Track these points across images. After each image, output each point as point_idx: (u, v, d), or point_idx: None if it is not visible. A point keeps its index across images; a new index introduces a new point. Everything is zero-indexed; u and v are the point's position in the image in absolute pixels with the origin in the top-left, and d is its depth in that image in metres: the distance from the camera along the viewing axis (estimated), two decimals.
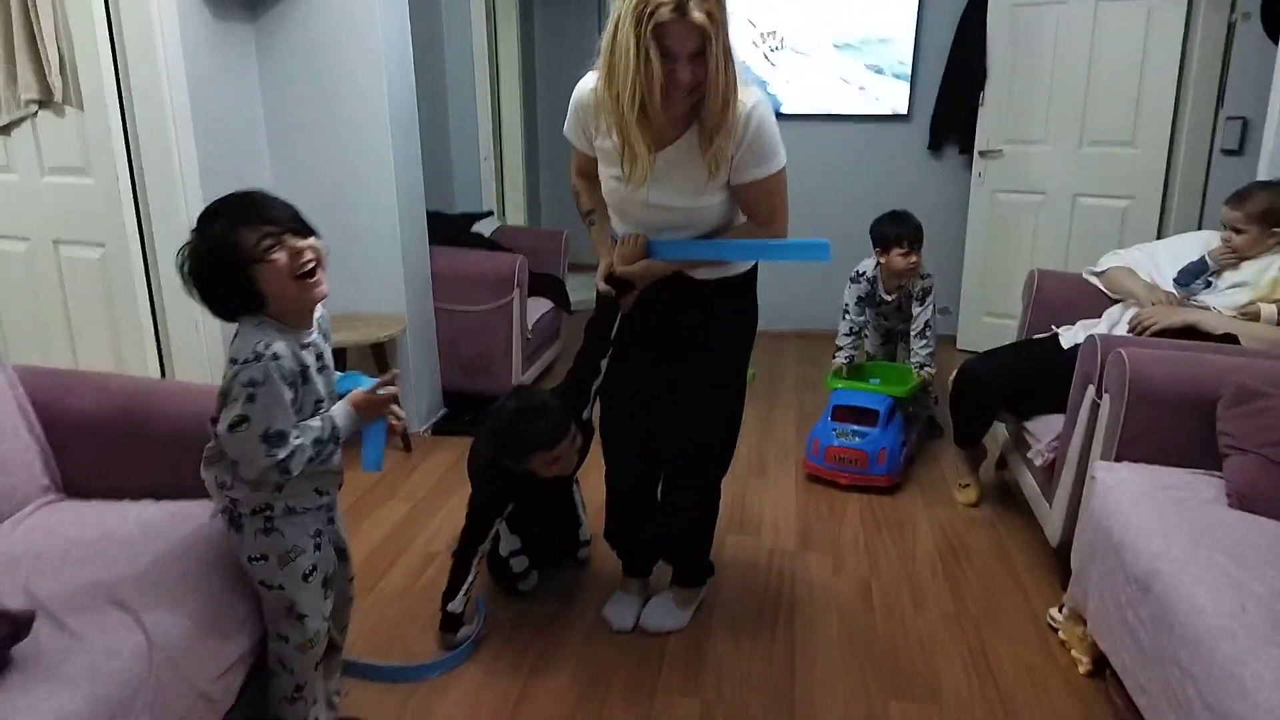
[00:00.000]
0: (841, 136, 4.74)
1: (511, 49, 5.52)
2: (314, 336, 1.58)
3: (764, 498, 3.03)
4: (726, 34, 1.69)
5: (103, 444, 1.94)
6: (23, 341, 3.05)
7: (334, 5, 3.07)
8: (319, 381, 1.57)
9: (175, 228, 2.73)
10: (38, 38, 2.68)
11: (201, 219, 1.47)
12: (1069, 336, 2.78)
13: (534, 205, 6.19)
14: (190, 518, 1.78)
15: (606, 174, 1.96)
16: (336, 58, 3.11)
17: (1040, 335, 2.95)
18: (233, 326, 1.53)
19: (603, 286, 2.02)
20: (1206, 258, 2.60)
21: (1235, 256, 2.55)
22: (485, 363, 3.69)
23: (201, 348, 2.86)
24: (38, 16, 2.65)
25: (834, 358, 3.39)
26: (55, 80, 2.71)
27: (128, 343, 2.85)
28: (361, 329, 3.16)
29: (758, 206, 1.94)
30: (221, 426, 1.48)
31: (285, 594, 1.62)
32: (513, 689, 2.05)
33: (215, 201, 1.49)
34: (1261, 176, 2.95)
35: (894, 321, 3.48)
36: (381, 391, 1.61)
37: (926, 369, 3.28)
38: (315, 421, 1.54)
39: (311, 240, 1.50)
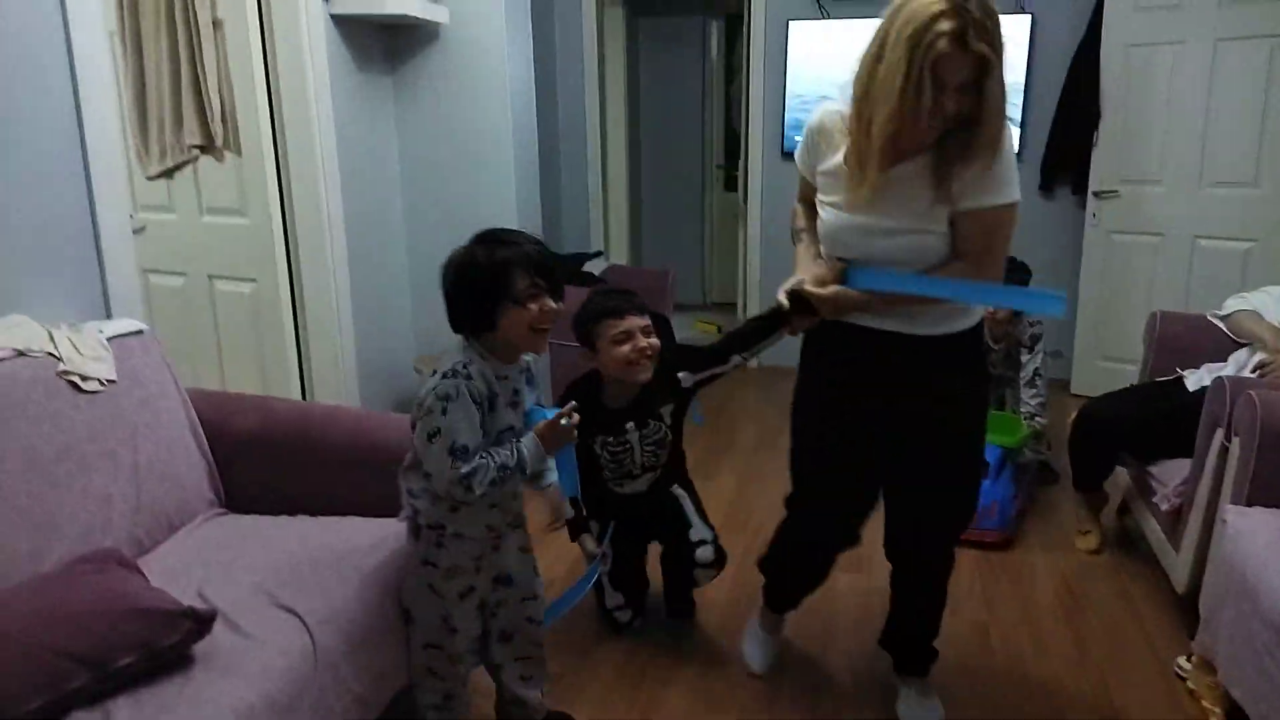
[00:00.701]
0: None
1: (618, 96, 5.71)
2: (513, 372, 1.70)
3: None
4: (1003, 63, 1.57)
5: (264, 462, 2.10)
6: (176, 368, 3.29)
7: (465, 60, 3.27)
8: (508, 413, 1.69)
9: (321, 265, 2.94)
10: (202, 87, 2.93)
11: (491, 240, 1.64)
12: (1194, 379, 2.72)
13: (636, 246, 6.35)
14: (345, 533, 1.91)
15: (824, 200, 1.83)
16: (466, 107, 3.31)
17: (1164, 378, 2.89)
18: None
19: (782, 297, 1.84)
20: None
21: None
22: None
23: (341, 379, 3.04)
24: (203, 67, 2.90)
25: None
26: (217, 127, 2.96)
27: (274, 372, 3.05)
28: None
29: (972, 240, 1.72)
30: (419, 438, 1.62)
31: (444, 604, 1.75)
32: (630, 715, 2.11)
33: (506, 230, 1.68)
34: None
35: (1002, 369, 3.42)
36: (564, 422, 1.70)
37: (1038, 419, 3.22)
38: (505, 450, 1.64)
39: (561, 305, 1.66)
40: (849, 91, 1.68)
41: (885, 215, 1.72)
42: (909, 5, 1.54)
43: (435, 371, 1.63)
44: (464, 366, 1.61)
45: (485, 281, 1.60)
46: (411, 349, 3.58)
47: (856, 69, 1.66)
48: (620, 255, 5.84)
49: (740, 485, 3.46)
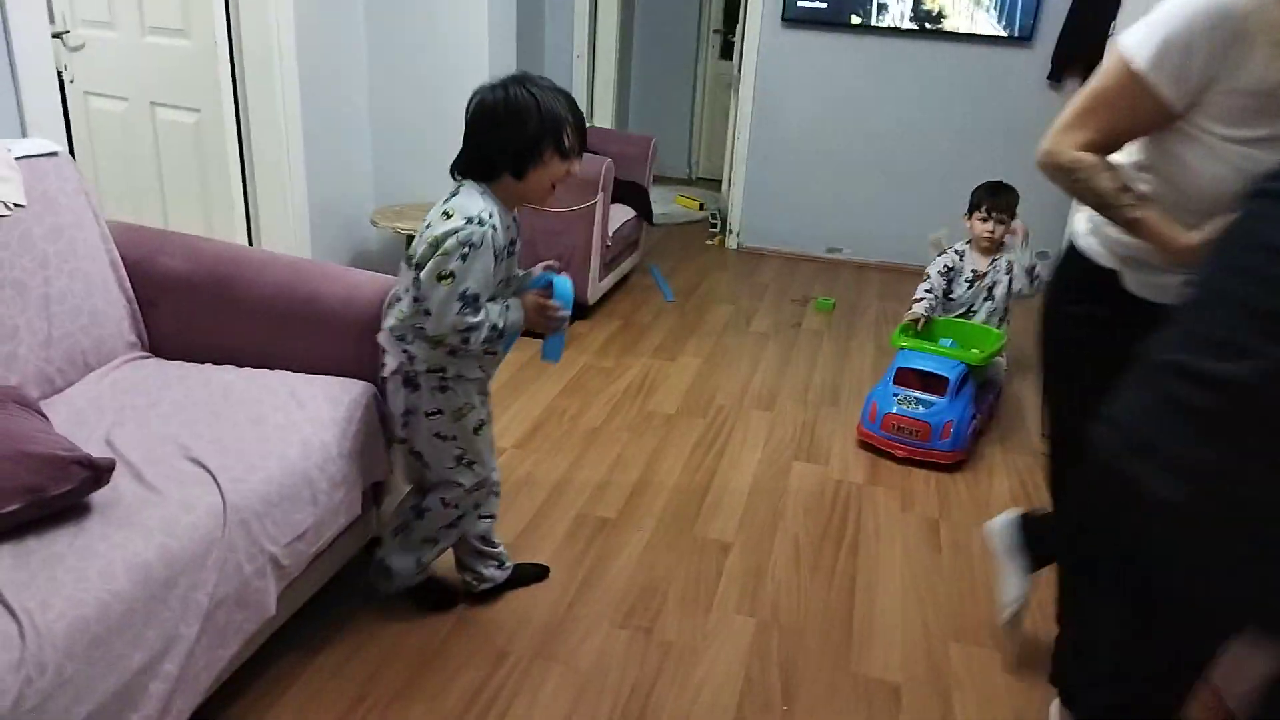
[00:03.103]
0: (954, 57, 4.47)
1: None
2: (513, 223, 1.71)
3: (834, 428, 2.97)
4: None
5: (190, 306, 1.96)
6: (115, 201, 3.09)
7: None
8: (509, 262, 1.71)
9: (269, 97, 2.72)
10: None
11: (540, 88, 1.60)
12: None
13: (622, 110, 6.05)
14: (270, 386, 1.80)
15: (1233, 136, 1.27)
16: None
17: None
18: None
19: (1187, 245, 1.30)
20: None
21: None
22: (562, 266, 3.62)
23: (290, 225, 2.87)
24: None
25: (911, 307, 3.10)
26: None
27: (218, 210, 2.87)
28: None
29: None
30: (428, 274, 1.57)
31: (458, 443, 1.77)
32: (569, 588, 2.06)
33: (546, 80, 1.63)
34: None
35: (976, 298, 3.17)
36: (554, 314, 1.72)
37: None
38: (496, 308, 1.63)
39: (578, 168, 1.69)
40: None
41: None
42: None
43: (447, 215, 1.59)
44: (490, 216, 1.59)
45: (542, 127, 1.58)
46: (370, 199, 3.39)
47: None
48: (605, 119, 5.56)
49: (704, 367, 3.37)
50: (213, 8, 2.64)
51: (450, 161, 1.68)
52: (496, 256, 1.60)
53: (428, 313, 1.59)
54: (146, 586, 1.31)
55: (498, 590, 2.00)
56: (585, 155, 3.67)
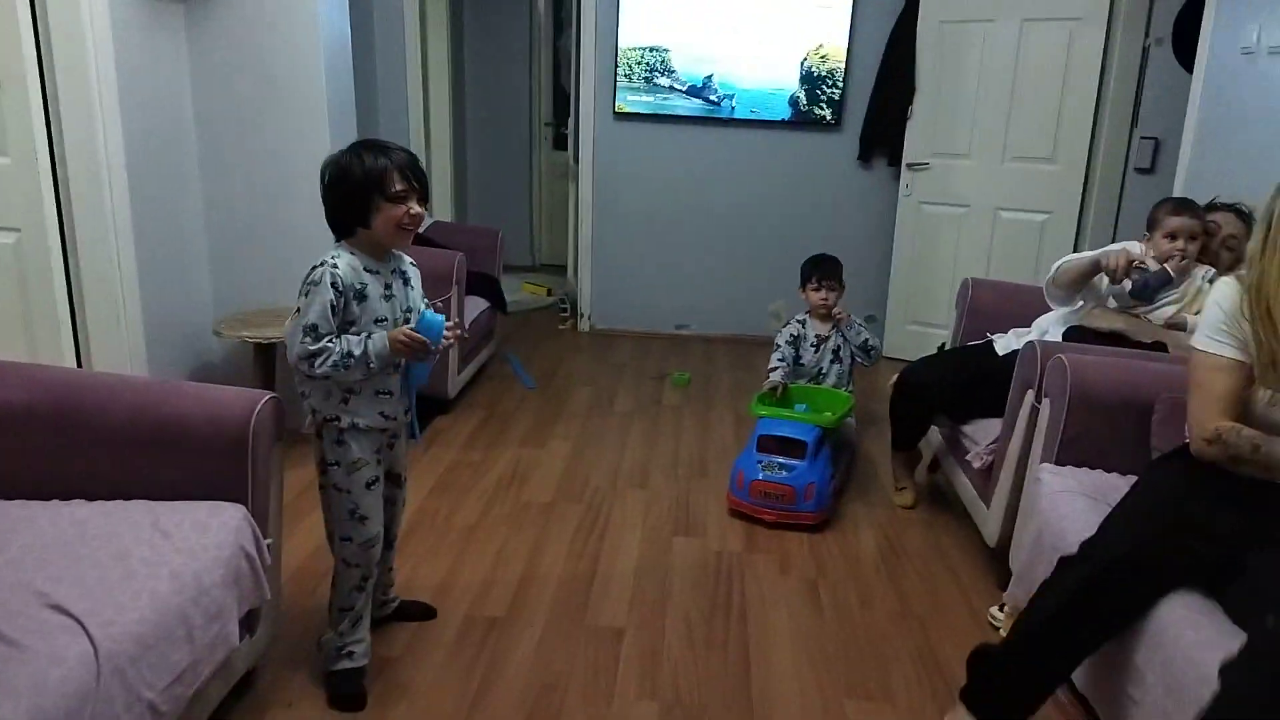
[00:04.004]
0: (775, 142, 4.80)
1: (441, 47, 5.43)
2: (384, 268, 1.85)
3: (707, 499, 3.04)
4: None
5: (31, 440, 1.81)
6: None
7: None
8: (381, 305, 1.83)
9: (98, 213, 2.58)
10: None
11: (365, 147, 1.78)
12: (1003, 344, 2.86)
13: (461, 203, 6.10)
14: (130, 518, 1.68)
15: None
16: (271, 42, 3.00)
17: (974, 342, 3.04)
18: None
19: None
20: (1169, 270, 2.46)
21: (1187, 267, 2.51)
22: (440, 308, 3.57)
23: (124, 344, 2.70)
24: None
25: (768, 377, 3.26)
26: None
27: (43, 335, 2.67)
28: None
29: None
30: (290, 317, 1.78)
31: (351, 497, 1.89)
32: (466, 694, 2.00)
33: (380, 140, 1.83)
34: (1176, 194, 3.12)
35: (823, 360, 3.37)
36: (408, 340, 1.78)
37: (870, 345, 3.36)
38: (355, 338, 1.77)
39: (424, 210, 1.82)
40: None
41: None
42: None
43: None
44: (331, 258, 1.77)
45: (359, 182, 1.75)
46: (211, 310, 3.24)
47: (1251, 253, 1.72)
48: (444, 212, 5.58)
49: (573, 451, 3.39)
50: (33, 122, 2.51)
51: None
52: (342, 293, 1.75)
53: (288, 347, 1.77)
54: None
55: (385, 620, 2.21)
56: (437, 251, 3.71)
